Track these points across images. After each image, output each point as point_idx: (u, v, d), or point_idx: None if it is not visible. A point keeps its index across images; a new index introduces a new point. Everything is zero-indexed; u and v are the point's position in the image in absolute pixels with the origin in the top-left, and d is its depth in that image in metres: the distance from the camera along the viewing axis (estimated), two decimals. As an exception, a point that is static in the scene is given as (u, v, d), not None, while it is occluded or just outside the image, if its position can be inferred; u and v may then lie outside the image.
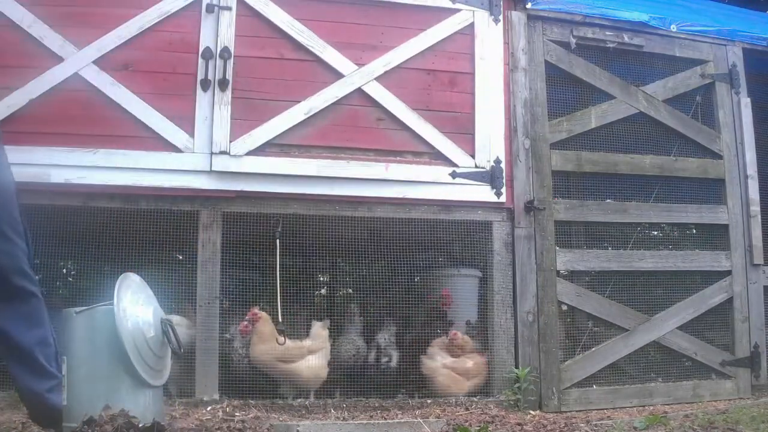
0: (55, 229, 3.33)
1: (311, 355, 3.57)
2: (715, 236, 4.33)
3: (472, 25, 3.95)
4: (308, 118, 3.68)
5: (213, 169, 3.52)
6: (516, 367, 3.71)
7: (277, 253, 3.56)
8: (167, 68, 3.55)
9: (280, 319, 3.53)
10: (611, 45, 4.21)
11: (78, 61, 3.45)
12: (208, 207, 3.56)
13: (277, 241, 3.59)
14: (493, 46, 3.97)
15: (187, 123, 3.54)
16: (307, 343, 3.64)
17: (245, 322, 3.56)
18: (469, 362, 3.80)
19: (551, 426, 3.14)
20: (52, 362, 2.27)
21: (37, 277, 2.38)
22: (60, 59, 3.43)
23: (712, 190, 4.33)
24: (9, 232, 2.29)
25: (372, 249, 4.14)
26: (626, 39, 4.24)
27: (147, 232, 3.56)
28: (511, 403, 3.61)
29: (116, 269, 2.76)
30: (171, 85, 3.55)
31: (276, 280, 3.54)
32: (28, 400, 2.26)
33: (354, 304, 4.10)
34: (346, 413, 3.37)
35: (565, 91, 4.17)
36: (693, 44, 4.38)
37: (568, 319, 4.15)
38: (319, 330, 3.74)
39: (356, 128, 3.76)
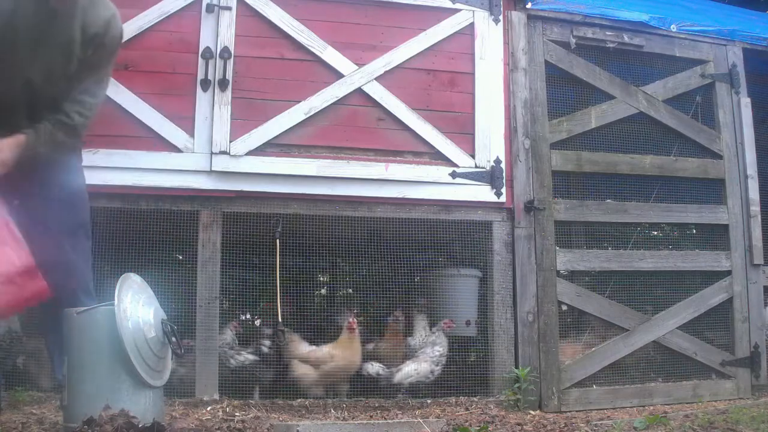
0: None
1: None
2: (715, 236, 4.32)
3: (472, 25, 3.95)
4: (308, 118, 3.68)
5: (213, 169, 3.52)
6: (516, 367, 3.71)
7: (277, 253, 3.56)
8: (167, 68, 3.54)
9: (279, 319, 3.53)
10: (611, 45, 4.21)
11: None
12: (208, 207, 3.56)
13: (277, 241, 3.59)
14: (493, 46, 3.96)
15: (187, 123, 3.53)
16: None
17: None
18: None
19: (551, 426, 3.14)
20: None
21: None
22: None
23: (712, 190, 4.33)
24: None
25: (372, 249, 4.14)
26: (626, 39, 4.23)
27: (147, 232, 3.55)
28: (511, 403, 3.61)
29: (116, 269, 2.75)
30: (171, 85, 3.54)
31: (276, 280, 3.54)
32: None
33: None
34: (346, 413, 3.37)
35: (565, 91, 4.17)
36: (693, 44, 4.38)
37: (569, 319, 4.15)
38: None
39: (356, 128, 3.75)
